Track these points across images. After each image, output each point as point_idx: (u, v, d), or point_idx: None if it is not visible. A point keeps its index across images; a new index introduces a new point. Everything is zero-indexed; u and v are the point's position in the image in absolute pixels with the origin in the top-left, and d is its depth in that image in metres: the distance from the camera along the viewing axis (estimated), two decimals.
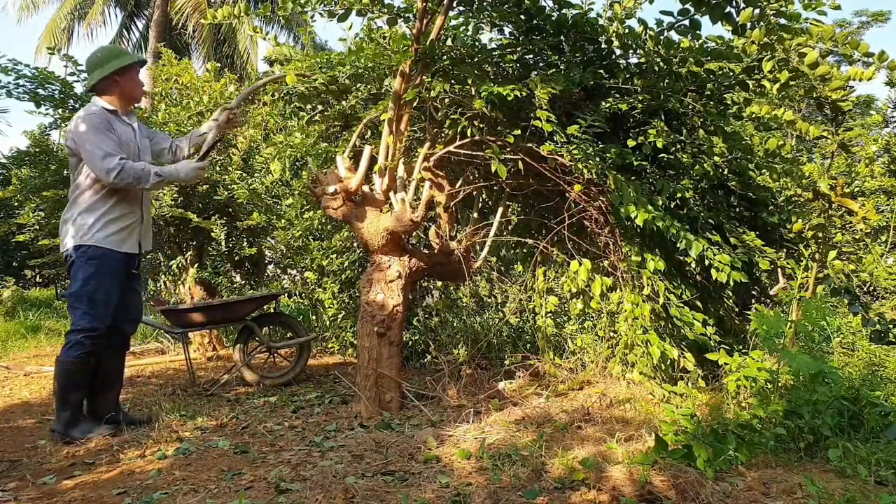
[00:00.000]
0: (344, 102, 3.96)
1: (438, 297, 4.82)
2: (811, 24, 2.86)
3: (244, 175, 5.23)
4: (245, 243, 5.77)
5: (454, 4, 3.18)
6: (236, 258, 5.94)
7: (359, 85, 3.90)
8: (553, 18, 3.34)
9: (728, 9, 2.63)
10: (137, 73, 3.22)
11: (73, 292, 2.96)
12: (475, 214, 3.89)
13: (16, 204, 5.85)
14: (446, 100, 3.52)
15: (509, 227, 4.18)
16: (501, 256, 4.90)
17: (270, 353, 4.51)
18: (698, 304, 3.41)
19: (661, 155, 3.45)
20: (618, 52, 3.49)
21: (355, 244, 4.90)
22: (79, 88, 4.53)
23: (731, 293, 3.74)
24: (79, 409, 3.04)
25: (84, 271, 2.96)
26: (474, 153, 3.43)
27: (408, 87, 3.15)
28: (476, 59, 3.37)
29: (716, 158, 3.42)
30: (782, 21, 2.70)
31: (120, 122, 3.12)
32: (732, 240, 3.44)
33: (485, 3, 3.28)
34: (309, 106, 4.06)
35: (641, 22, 3.27)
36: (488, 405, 3.27)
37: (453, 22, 3.64)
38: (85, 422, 3.04)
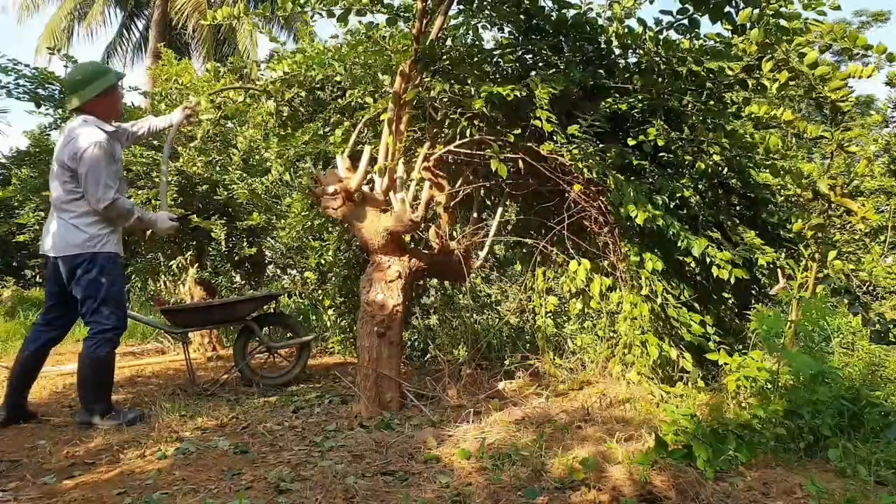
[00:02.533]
0: (340, 101, 3.95)
1: (436, 297, 4.82)
2: (811, 23, 2.86)
3: (244, 175, 5.23)
4: (245, 243, 5.77)
5: (454, 4, 3.18)
6: (236, 258, 5.94)
7: (355, 90, 3.90)
8: (552, 18, 3.34)
9: (727, 8, 2.63)
10: (119, 87, 3.41)
11: (102, 296, 3.17)
12: (475, 214, 3.89)
13: (16, 204, 5.84)
14: (446, 100, 3.52)
15: (509, 227, 4.17)
16: (502, 256, 4.90)
17: (270, 353, 4.51)
18: (696, 305, 3.41)
19: (661, 154, 3.45)
20: (617, 51, 3.49)
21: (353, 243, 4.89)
22: None
23: (730, 293, 3.74)
24: (111, 398, 3.30)
25: (108, 276, 3.19)
26: (474, 153, 3.43)
27: (408, 87, 3.15)
28: (476, 59, 3.37)
29: (715, 157, 3.42)
30: (782, 21, 2.70)
31: (117, 142, 3.31)
32: (733, 238, 3.44)
33: (484, 3, 3.28)
34: (299, 102, 4.07)
35: (641, 21, 3.27)
36: (488, 405, 3.27)
37: (453, 22, 3.64)
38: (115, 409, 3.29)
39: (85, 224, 3.16)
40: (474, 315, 4.64)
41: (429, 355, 4.56)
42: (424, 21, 3.04)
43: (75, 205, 3.17)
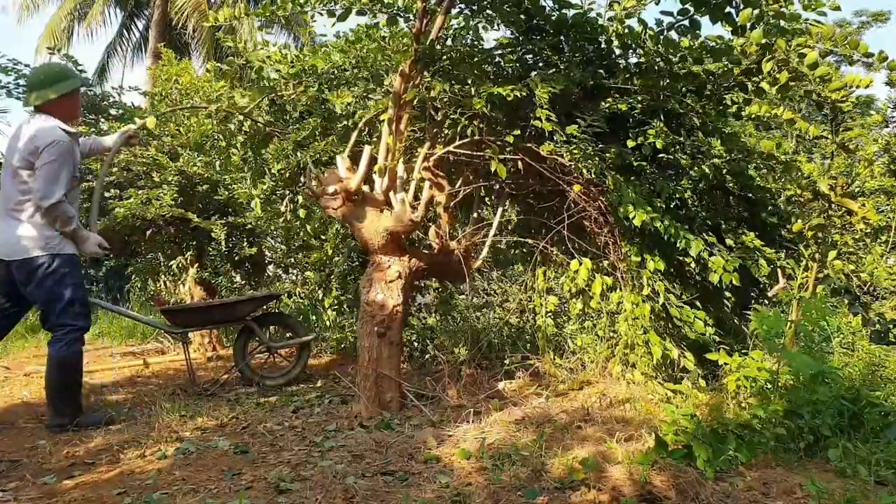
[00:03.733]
0: (339, 99, 3.95)
1: (435, 296, 4.82)
2: (811, 24, 2.86)
3: (244, 175, 5.22)
4: (245, 243, 5.77)
5: (455, 4, 3.18)
6: (236, 258, 5.93)
7: (354, 88, 3.89)
8: (553, 18, 3.34)
9: (728, 9, 2.63)
10: (80, 93, 3.40)
11: (69, 298, 3.13)
12: (475, 214, 3.89)
13: None
14: (446, 100, 3.52)
15: (509, 227, 4.17)
16: (501, 257, 4.89)
17: (270, 353, 4.51)
18: (697, 304, 3.42)
19: (661, 155, 3.45)
20: (617, 51, 3.49)
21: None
22: None
23: (730, 293, 3.74)
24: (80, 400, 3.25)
25: (71, 278, 3.15)
26: (474, 153, 3.43)
27: (408, 87, 3.15)
28: (476, 59, 3.37)
29: (715, 159, 3.42)
30: (782, 22, 2.70)
31: (77, 144, 3.27)
32: (729, 241, 3.45)
33: (485, 3, 3.28)
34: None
35: (641, 22, 3.27)
36: (488, 405, 3.27)
37: (454, 22, 3.63)
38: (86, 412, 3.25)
39: (40, 224, 3.07)
40: (475, 315, 4.63)
41: (427, 356, 4.55)
42: (424, 21, 3.04)
43: (30, 205, 3.07)
